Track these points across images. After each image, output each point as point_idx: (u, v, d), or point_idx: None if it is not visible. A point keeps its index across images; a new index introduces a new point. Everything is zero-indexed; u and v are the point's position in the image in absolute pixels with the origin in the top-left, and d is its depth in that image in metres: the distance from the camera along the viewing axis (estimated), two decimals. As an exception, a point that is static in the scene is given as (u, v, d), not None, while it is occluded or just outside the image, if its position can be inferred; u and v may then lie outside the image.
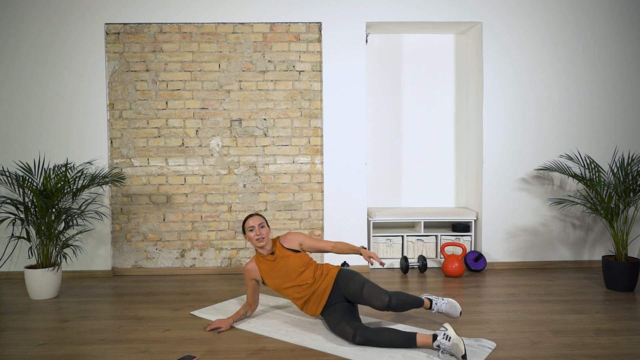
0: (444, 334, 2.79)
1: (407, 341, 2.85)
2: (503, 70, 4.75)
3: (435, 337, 2.80)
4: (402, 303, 3.03)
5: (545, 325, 3.27)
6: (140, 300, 3.91)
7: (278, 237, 3.42)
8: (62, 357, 2.85)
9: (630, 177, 4.11)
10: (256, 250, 3.34)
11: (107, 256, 4.67)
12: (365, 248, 3.37)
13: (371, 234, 4.83)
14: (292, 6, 4.65)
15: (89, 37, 4.59)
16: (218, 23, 4.68)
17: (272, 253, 3.32)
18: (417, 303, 3.12)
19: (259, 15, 4.65)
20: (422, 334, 2.88)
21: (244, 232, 3.32)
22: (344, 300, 3.22)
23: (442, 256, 4.76)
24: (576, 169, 4.68)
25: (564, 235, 4.83)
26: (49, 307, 3.78)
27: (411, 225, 5.17)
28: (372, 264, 3.59)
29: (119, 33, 4.65)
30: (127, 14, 4.60)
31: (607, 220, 4.15)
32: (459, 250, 4.84)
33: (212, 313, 3.56)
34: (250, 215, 3.32)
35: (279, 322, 3.34)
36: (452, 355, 2.76)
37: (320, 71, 4.72)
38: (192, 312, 3.57)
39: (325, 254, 4.67)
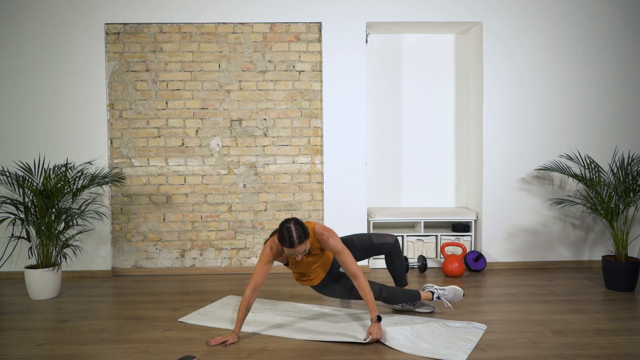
0: (435, 287, 3.50)
1: (414, 297, 3.42)
2: (503, 70, 4.75)
3: (432, 293, 3.48)
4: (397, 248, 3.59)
5: (545, 325, 3.27)
6: (140, 300, 3.91)
7: (314, 230, 3.11)
8: (62, 357, 2.85)
9: (630, 177, 4.11)
10: None
11: (107, 256, 4.67)
12: (379, 321, 3.03)
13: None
14: (292, 6, 4.65)
15: (89, 37, 4.59)
16: (218, 23, 4.68)
17: (309, 253, 3.13)
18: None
19: (259, 15, 4.65)
20: (423, 292, 3.48)
21: (280, 241, 2.94)
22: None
23: (442, 256, 4.76)
24: (576, 169, 4.68)
25: (564, 235, 4.83)
26: (49, 307, 3.78)
27: (411, 225, 5.17)
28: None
29: (119, 33, 4.65)
30: (127, 14, 4.60)
31: (607, 220, 4.15)
32: (459, 250, 4.84)
33: (199, 319, 3.40)
34: (292, 241, 2.89)
35: (279, 322, 3.34)
36: (452, 300, 3.49)
37: (320, 71, 4.72)
38: (180, 320, 3.41)
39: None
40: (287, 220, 2.96)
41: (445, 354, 2.79)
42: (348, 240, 3.50)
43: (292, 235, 2.90)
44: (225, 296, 3.98)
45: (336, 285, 3.37)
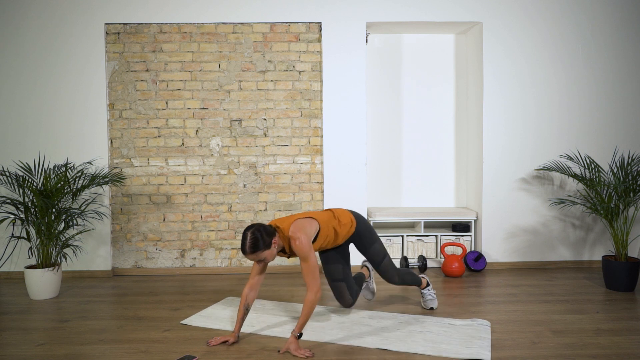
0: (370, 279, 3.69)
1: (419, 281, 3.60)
2: (503, 70, 4.75)
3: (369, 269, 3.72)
4: (403, 282, 3.53)
5: (545, 325, 3.27)
6: (140, 300, 3.91)
7: (289, 233, 3.01)
8: (62, 357, 2.85)
9: (630, 177, 4.11)
10: None
11: (107, 256, 4.67)
12: (298, 338, 2.87)
13: (371, 234, 4.83)
14: (292, 6, 4.65)
15: (89, 37, 4.59)
16: (218, 23, 4.68)
17: (285, 252, 3.13)
18: (416, 282, 3.61)
19: (259, 15, 4.65)
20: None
21: None
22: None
23: (442, 256, 4.76)
24: (576, 169, 4.68)
25: (564, 235, 4.83)
26: (49, 307, 3.78)
27: (411, 225, 5.17)
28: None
29: (119, 33, 4.65)
30: (127, 14, 4.60)
31: (607, 220, 4.15)
32: (459, 250, 4.84)
33: (201, 321, 3.37)
34: (244, 250, 2.87)
35: (279, 322, 3.34)
36: (364, 295, 3.69)
37: (320, 71, 4.72)
38: (182, 322, 3.37)
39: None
40: (248, 227, 2.90)
41: (470, 353, 2.80)
42: (371, 234, 3.39)
43: (245, 244, 2.86)
44: (226, 297, 3.98)
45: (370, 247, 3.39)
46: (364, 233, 3.38)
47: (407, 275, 3.50)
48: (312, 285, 2.89)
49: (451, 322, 3.29)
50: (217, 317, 3.47)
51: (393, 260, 3.93)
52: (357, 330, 3.18)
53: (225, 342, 2.99)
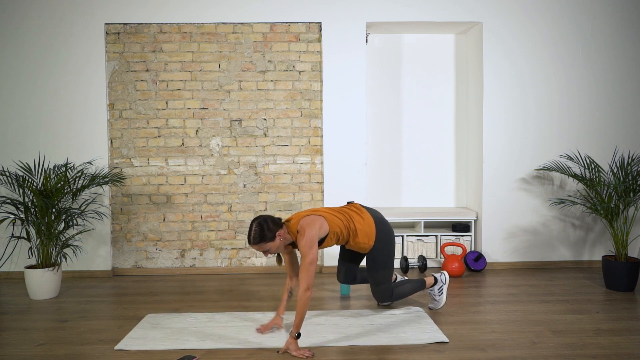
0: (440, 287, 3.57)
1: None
2: (503, 70, 4.75)
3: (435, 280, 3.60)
4: (401, 297, 3.54)
5: (545, 325, 3.27)
6: (140, 300, 3.91)
7: (299, 225, 3.06)
8: (62, 357, 2.85)
9: (630, 177, 4.11)
10: None
11: (107, 256, 4.67)
12: (298, 337, 2.86)
13: (371, 234, 4.82)
14: (292, 6, 4.65)
15: (89, 37, 4.59)
16: (218, 23, 4.68)
17: (294, 245, 3.19)
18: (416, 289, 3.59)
19: (259, 15, 4.65)
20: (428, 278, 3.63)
21: None
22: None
23: (442, 256, 4.76)
24: (576, 169, 4.68)
25: (564, 235, 4.83)
26: (49, 307, 3.78)
27: (411, 225, 5.17)
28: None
29: (119, 33, 4.65)
30: (127, 14, 4.60)
31: (607, 220, 4.15)
32: (459, 250, 4.83)
33: (138, 344, 2.98)
34: (249, 240, 2.97)
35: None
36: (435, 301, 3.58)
37: (320, 71, 4.72)
38: (116, 348, 2.93)
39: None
40: (255, 218, 3.01)
41: (429, 337, 3.02)
42: (384, 261, 3.39)
43: (250, 234, 2.97)
44: (149, 314, 3.56)
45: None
46: (377, 256, 3.38)
47: (403, 288, 3.50)
48: (303, 282, 2.90)
49: (392, 313, 3.46)
50: (152, 337, 3.09)
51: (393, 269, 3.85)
52: (334, 336, 3.10)
53: (274, 326, 3.18)
